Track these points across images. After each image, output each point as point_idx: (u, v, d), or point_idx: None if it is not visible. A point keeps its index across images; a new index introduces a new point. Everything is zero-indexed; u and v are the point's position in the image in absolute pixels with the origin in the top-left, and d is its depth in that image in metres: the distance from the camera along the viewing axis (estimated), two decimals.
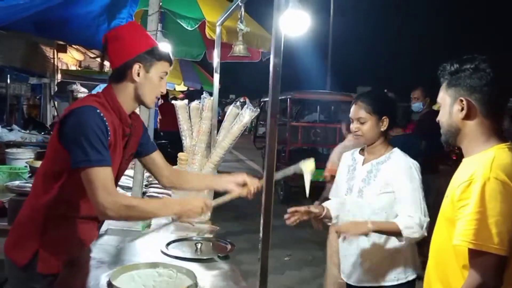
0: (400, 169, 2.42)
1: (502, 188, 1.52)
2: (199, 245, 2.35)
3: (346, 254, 2.61)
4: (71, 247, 2.06)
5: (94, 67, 16.89)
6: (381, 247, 2.47)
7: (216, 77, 3.13)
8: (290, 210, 2.42)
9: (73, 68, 14.63)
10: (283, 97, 8.63)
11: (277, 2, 1.63)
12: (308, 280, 5.13)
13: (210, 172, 2.90)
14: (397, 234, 2.31)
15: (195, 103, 3.16)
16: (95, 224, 2.19)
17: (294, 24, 1.70)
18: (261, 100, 10.75)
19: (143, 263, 2.03)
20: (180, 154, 2.92)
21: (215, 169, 2.93)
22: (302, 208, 2.44)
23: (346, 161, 2.70)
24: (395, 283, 2.47)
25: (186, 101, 3.18)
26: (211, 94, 3.14)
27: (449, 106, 1.75)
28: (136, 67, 1.99)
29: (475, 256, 1.56)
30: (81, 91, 13.38)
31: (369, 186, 2.47)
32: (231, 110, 3.08)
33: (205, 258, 2.26)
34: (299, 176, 2.24)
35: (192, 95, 8.33)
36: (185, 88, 13.51)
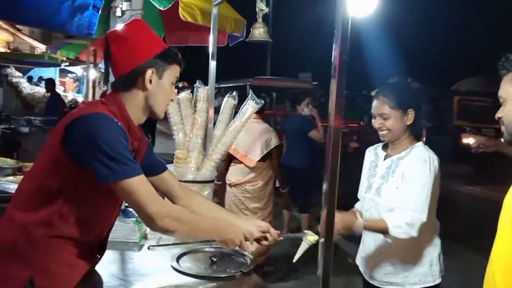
0: (415, 162, 2.25)
1: None
2: (214, 258, 2.05)
3: (368, 253, 2.43)
4: (73, 275, 1.69)
5: (25, 49, 15.74)
6: (405, 247, 2.29)
7: (213, 65, 2.79)
8: None
9: (2, 50, 13.52)
10: (241, 84, 8.35)
11: None
12: None
13: (211, 171, 2.58)
14: (386, 232, 2.16)
15: (185, 94, 2.82)
16: (95, 247, 1.83)
17: (361, 4, 1.44)
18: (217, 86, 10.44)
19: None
20: (177, 152, 2.57)
21: (215, 168, 2.62)
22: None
23: (369, 157, 2.52)
24: (421, 286, 2.31)
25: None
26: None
27: None
28: (148, 73, 1.70)
29: None
30: (16, 75, 12.41)
31: (387, 184, 2.30)
32: (226, 101, 2.77)
33: (225, 275, 1.95)
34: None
35: None
36: None
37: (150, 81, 1.70)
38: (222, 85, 9.16)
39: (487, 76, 19.73)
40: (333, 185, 1.46)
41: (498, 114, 1.65)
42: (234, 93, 2.80)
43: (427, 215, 2.19)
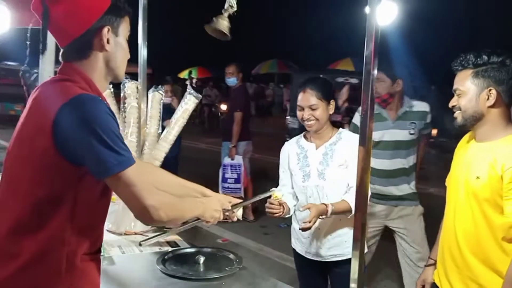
0: (352, 144, 2.51)
1: None
2: (201, 259, 2.02)
3: (309, 236, 2.63)
4: None
5: None
6: (345, 221, 2.57)
7: (144, 54, 2.59)
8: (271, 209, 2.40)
9: None
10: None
11: None
12: None
13: None
14: (348, 212, 2.46)
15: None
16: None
17: (387, 14, 1.63)
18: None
19: None
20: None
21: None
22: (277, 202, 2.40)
23: (293, 150, 2.69)
24: None
25: None
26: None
27: (475, 94, 1.93)
28: (105, 32, 1.48)
29: None
30: None
31: (329, 168, 2.55)
32: (153, 95, 2.65)
33: (226, 273, 1.94)
34: None
35: None
36: None
37: (108, 41, 1.49)
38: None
39: (281, 59, 21.95)
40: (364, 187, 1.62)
41: (453, 103, 2.02)
42: (159, 86, 2.70)
43: None
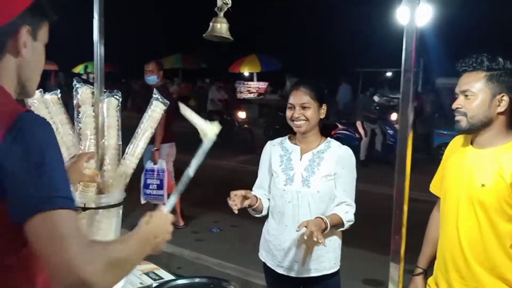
0: (343, 157, 2.46)
1: None
2: None
3: (284, 247, 2.46)
4: None
5: None
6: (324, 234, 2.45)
7: (101, 55, 2.19)
8: (231, 194, 2.20)
9: None
10: None
11: None
12: None
13: (121, 191, 2.11)
14: (340, 225, 2.38)
15: (51, 95, 2.17)
16: None
17: (423, 16, 1.49)
18: None
19: None
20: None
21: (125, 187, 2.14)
22: (240, 192, 2.22)
23: (276, 151, 2.54)
24: (336, 269, 2.52)
25: (38, 92, 2.13)
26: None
27: (488, 99, 1.87)
28: (23, 33, 1.18)
29: None
30: None
31: (315, 175, 2.43)
32: (109, 101, 2.27)
33: None
34: None
35: None
36: None
37: (25, 44, 1.20)
38: None
39: (185, 53, 21.43)
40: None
41: (458, 105, 1.93)
42: (115, 90, 2.33)
43: None
